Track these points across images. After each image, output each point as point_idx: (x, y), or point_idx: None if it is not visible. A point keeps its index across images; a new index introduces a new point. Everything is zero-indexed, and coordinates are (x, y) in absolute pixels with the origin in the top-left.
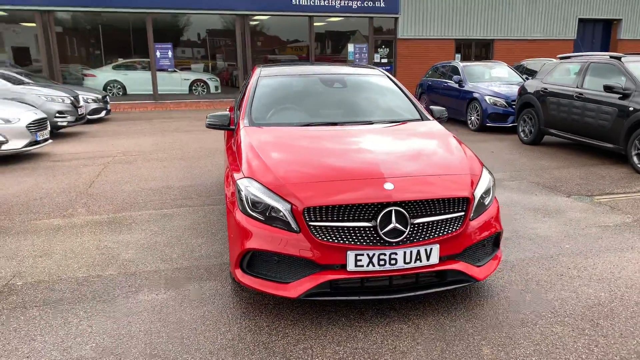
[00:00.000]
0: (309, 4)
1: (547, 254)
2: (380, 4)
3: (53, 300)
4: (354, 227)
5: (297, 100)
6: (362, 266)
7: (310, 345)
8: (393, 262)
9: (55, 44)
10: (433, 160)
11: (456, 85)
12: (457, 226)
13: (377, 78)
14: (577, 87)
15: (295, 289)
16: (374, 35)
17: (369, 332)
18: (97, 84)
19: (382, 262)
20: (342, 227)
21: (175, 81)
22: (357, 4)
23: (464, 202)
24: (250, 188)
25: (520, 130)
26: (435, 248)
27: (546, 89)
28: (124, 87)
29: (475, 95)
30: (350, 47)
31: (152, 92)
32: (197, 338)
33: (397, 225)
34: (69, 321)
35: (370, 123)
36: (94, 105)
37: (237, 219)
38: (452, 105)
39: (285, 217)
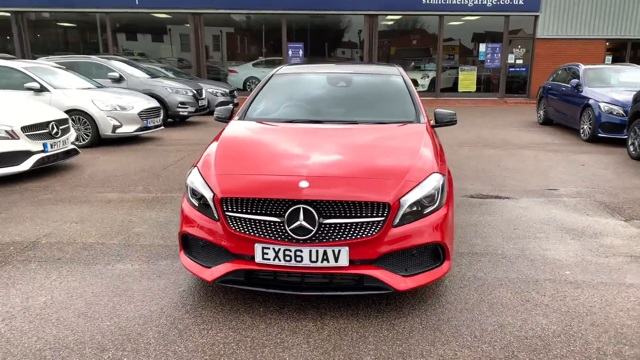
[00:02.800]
0: (439, 2)
1: (533, 278)
2: (518, 1)
3: (54, 259)
4: (264, 221)
5: (296, 98)
6: (269, 260)
7: (210, 327)
8: (299, 259)
9: (203, 43)
10: (373, 164)
11: (573, 90)
12: (373, 231)
13: (388, 78)
14: None
15: (212, 273)
16: (509, 35)
17: (271, 325)
18: (237, 79)
19: (287, 258)
20: (253, 219)
21: None
22: (491, 2)
23: (383, 208)
24: (192, 177)
25: (629, 142)
26: (344, 250)
27: None
28: None
29: (590, 101)
30: (482, 47)
31: None
32: (128, 306)
33: (304, 223)
34: (49, 276)
35: (355, 123)
36: (221, 99)
37: (182, 206)
38: (566, 112)
39: (210, 205)
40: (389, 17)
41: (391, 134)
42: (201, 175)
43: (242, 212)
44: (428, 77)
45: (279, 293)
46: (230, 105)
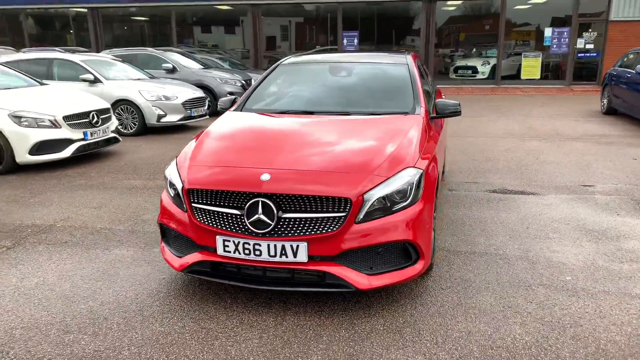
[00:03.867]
0: None
1: (526, 283)
2: None
3: (61, 242)
4: (225, 213)
5: (294, 88)
6: (230, 252)
7: (173, 316)
8: (257, 252)
9: (262, 33)
10: (345, 157)
11: (637, 77)
12: (333, 227)
13: (392, 67)
14: None
15: (180, 263)
16: (579, 18)
17: (231, 317)
18: None
19: (247, 252)
20: (216, 211)
21: None
22: None
23: (345, 203)
24: (169, 168)
25: None
26: (303, 246)
27: None
28: None
29: None
30: (548, 32)
31: None
32: (108, 291)
33: (262, 216)
34: (50, 259)
35: (348, 114)
36: None
37: (162, 196)
38: (631, 100)
39: (180, 196)
40: (449, 2)
41: (378, 126)
42: (177, 166)
43: (206, 204)
44: (489, 63)
45: (240, 286)
46: (233, 96)
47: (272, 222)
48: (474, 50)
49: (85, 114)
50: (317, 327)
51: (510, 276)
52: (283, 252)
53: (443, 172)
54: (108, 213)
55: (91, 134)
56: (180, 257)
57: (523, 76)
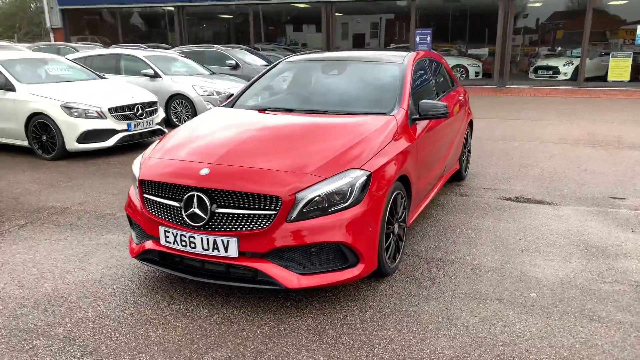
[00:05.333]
0: None
1: (484, 296)
2: None
3: (66, 225)
4: (167, 205)
5: (286, 85)
6: (170, 243)
7: (119, 300)
8: (192, 245)
9: (334, 31)
10: (289, 156)
11: None
12: (263, 224)
13: (385, 66)
14: None
15: (134, 250)
16: None
17: (170, 305)
18: None
19: (183, 243)
20: (160, 202)
21: None
22: None
23: (276, 201)
24: (136, 160)
25: None
26: (233, 241)
27: None
28: None
29: None
30: None
31: None
32: (79, 272)
33: (197, 210)
34: (48, 239)
35: (325, 113)
36: None
37: (130, 187)
38: None
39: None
40: None
41: (343, 126)
42: (141, 158)
43: (153, 195)
44: (572, 64)
45: (180, 276)
46: (229, 92)
47: (206, 216)
48: (559, 49)
49: (130, 107)
50: (245, 321)
51: (470, 288)
52: (215, 246)
53: (456, 175)
54: (121, 200)
55: (135, 125)
56: (137, 244)
57: (610, 78)
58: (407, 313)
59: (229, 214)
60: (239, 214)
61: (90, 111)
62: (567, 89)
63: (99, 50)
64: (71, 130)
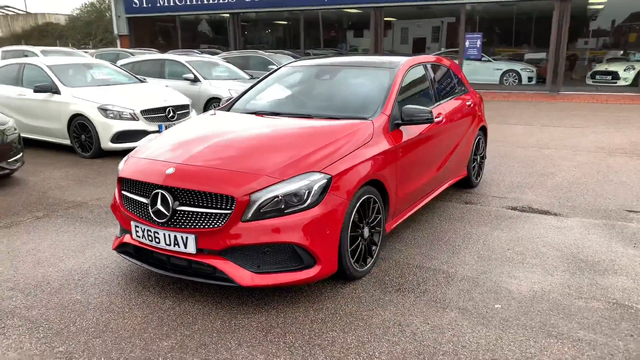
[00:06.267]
0: None
1: (445, 304)
2: None
3: (79, 217)
4: (138, 201)
5: (278, 90)
6: (140, 237)
7: (95, 289)
8: (157, 240)
9: (382, 36)
10: (253, 157)
11: None
12: (219, 223)
13: (376, 71)
14: None
15: (115, 243)
16: None
17: (138, 297)
18: None
19: (149, 238)
20: (132, 199)
21: (486, 71)
22: None
23: (231, 201)
24: (124, 159)
25: None
26: (192, 238)
27: None
28: None
29: None
30: None
31: None
32: (70, 261)
33: (160, 207)
34: (57, 230)
35: (309, 117)
36: None
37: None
38: None
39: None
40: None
41: (318, 129)
42: (127, 157)
43: (128, 192)
44: (634, 68)
45: (148, 269)
46: (230, 96)
47: (169, 213)
48: (622, 53)
49: (162, 109)
50: (201, 315)
51: (434, 295)
52: (176, 242)
53: (465, 183)
54: None
55: (166, 127)
56: (118, 238)
57: None
58: (360, 317)
59: (189, 211)
60: (197, 212)
61: (124, 113)
62: (626, 95)
63: (147, 55)
64: (106, 130)
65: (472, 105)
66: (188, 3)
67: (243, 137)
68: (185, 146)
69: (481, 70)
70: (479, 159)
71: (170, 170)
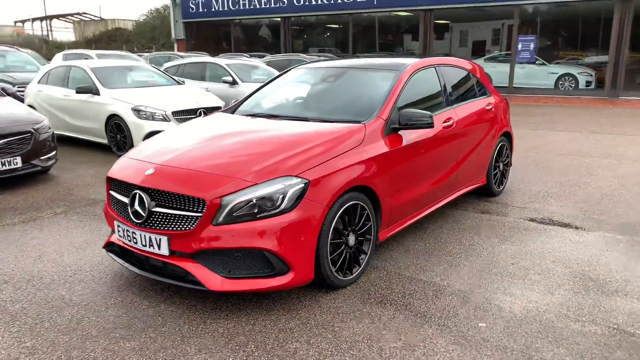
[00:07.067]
0: None
1: (425, 319)
2: None
3: (92, 214)
4: (120, 201)
5: (282, 92)
6: (121, 237)
7: (83, 285)
8: (135, 240)
9: (431, 38)
10: (230, 159)
11: None
12: (190, 225)
13: (379, 74)
14: None
15: (104, 242)
16: None
17: (121, 293)
18: None
19: (128, 238)
20: (116, 198)
21: (540, 74)
22: None
23: (202, 204)
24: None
25: None
26: (165, 239)
27: None
28: (490, 79)
29: None
30: None
31: (507, 85)
32: (70, 256)
33: (137, 208)
34: (68, 225)
35: (305, 120)
36: None
37: None
38: None
39: None
40: None
41: (306, 132)
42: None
43: (113, 191)
44: None
45: (128, 269)
46: (236, 99)
47: (145, 214)
48: None
49: (193, 111)
50: (172, 318)
51: (417, 309)
52: (150, 243)
53: (486, 191)
54: None
55: None
56: (108, 236)
57: None
58: (331, 328)
59: (163, 213)
60: (171, 214)
61: (156, 114)
62: None
63: (191, 58)
64: (138, 130)
65: (492, 109)
66: (241, 8)
67: (231, 140)
68: (173, 148)
69: (535, 74)
70: (501, 166)
71: (149, 171)
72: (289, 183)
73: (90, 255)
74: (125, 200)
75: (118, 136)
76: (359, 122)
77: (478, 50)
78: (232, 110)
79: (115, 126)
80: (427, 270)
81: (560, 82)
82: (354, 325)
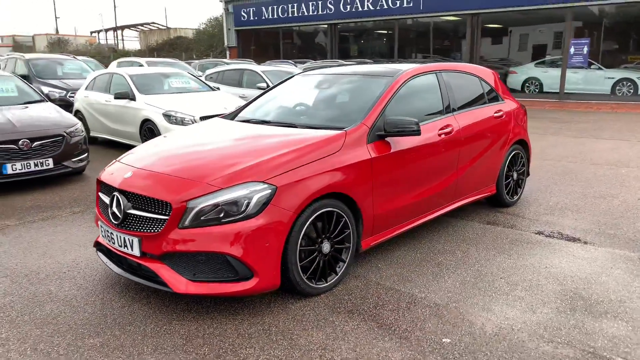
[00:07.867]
0: None
1: (389, 330)
2: None
3: None
4: (103, 202)
5: (280, 98)
6: (103, 237)
7: (69, 282)
8: (112, 240)
9: (479, 43)
10: (201, 164)
11: None
12: (157, 228)
13: (372, 80)
14: None
15: (95, 240)
16: None
17: (103, 291)
18: (516, 81)
19: (108, 238)
20: (101, 199)
21: (596, 79)
22: None
23: (168, 207)
24: None
25: None
26: (136, 240)
27: None
28: (540, 85)
29: None
30: None
31: (557, 91)
32: (68, 255)
33: (114, 209)
34: (79, 225)
35: (294, 126)
36: None
37: None
38: None
39: None
40: None
41: (284, 139)
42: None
43: (101, 192)
44: None
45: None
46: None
47: (121, 215)
48: None
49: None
50: (141, 317)
51: (385, 321)
52: (125, 244)
53: (497, 201)
54: None
55: None
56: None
57: None
58: (289, 336)
59: (136, 215)
60: (143, 216)
61: (185, 119)
62: None
63: (231, 65)
64: None
65: (502, 116)
66: (290, 15)
67: (213, 146)
68: (156, 152)
69: (589, 79)
70: (515, 175)
71: (128, 174)
72: (256, 189)
73: (89, 253)
74: (107, 201)
75: None
76: (340, 128)
77: (538, 54)
78: (233, 115)
79: (149, 130)
80: (408, 281)
81: (618, 88)
82: (313, 333)
